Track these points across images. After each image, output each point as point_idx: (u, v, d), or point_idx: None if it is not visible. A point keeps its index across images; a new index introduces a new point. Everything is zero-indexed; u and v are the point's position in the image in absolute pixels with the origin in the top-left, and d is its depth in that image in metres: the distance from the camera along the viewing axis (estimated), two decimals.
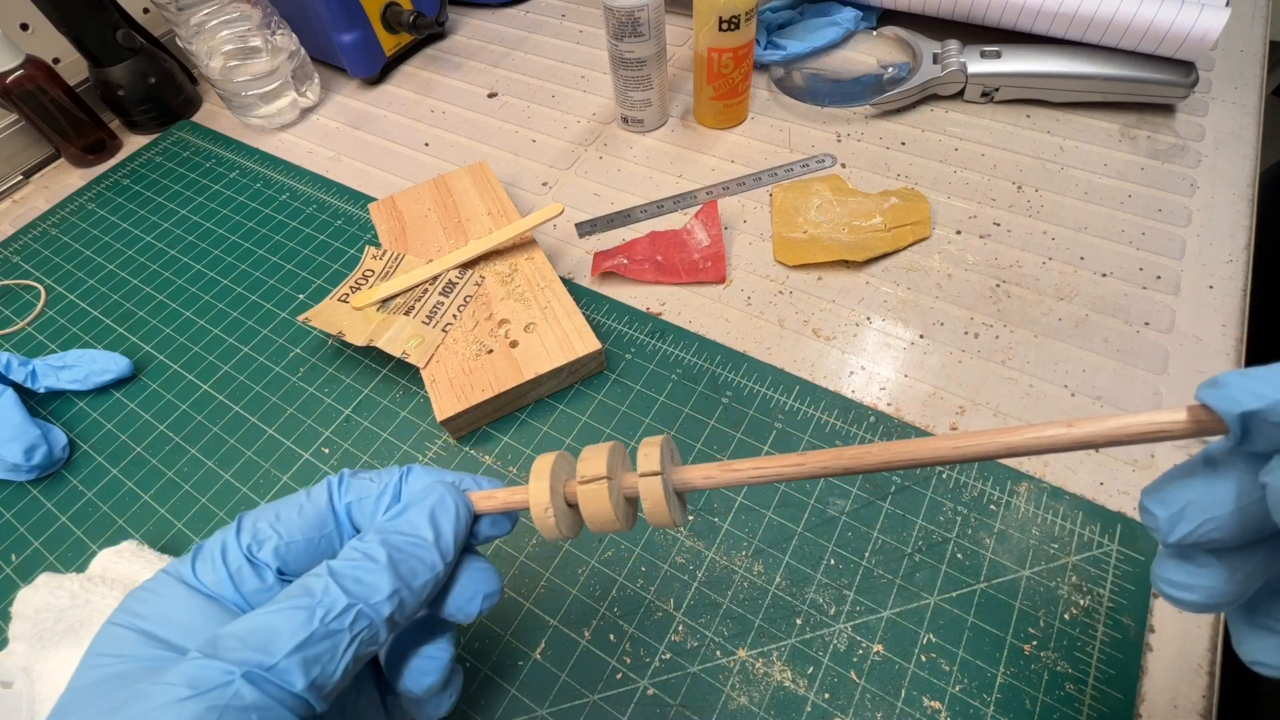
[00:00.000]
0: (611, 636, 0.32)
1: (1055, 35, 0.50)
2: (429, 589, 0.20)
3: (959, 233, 0.45)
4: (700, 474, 0.21)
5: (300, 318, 0.41)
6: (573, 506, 0.22)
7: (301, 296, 0.47)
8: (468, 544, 0.22)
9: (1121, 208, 0.45)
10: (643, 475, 0.20)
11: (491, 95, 0.60)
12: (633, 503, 0.22)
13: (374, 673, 0.24)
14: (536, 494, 0.21)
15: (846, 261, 0.44)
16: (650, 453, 0.21)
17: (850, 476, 0.35)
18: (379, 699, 0.24)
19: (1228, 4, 0.45)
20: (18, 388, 0.42)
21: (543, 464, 0.22)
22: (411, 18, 0.60)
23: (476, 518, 0.22)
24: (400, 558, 0.19)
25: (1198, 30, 0.44)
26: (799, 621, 0.31)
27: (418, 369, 0.39)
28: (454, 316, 0.40)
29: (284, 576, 0.21)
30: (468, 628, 0.32)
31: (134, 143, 0.61)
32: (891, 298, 0.42)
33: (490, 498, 0.22)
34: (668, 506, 0.20)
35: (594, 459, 0.21)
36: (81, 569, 0.35)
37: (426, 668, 0.22)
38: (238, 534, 0.21)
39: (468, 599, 0.21)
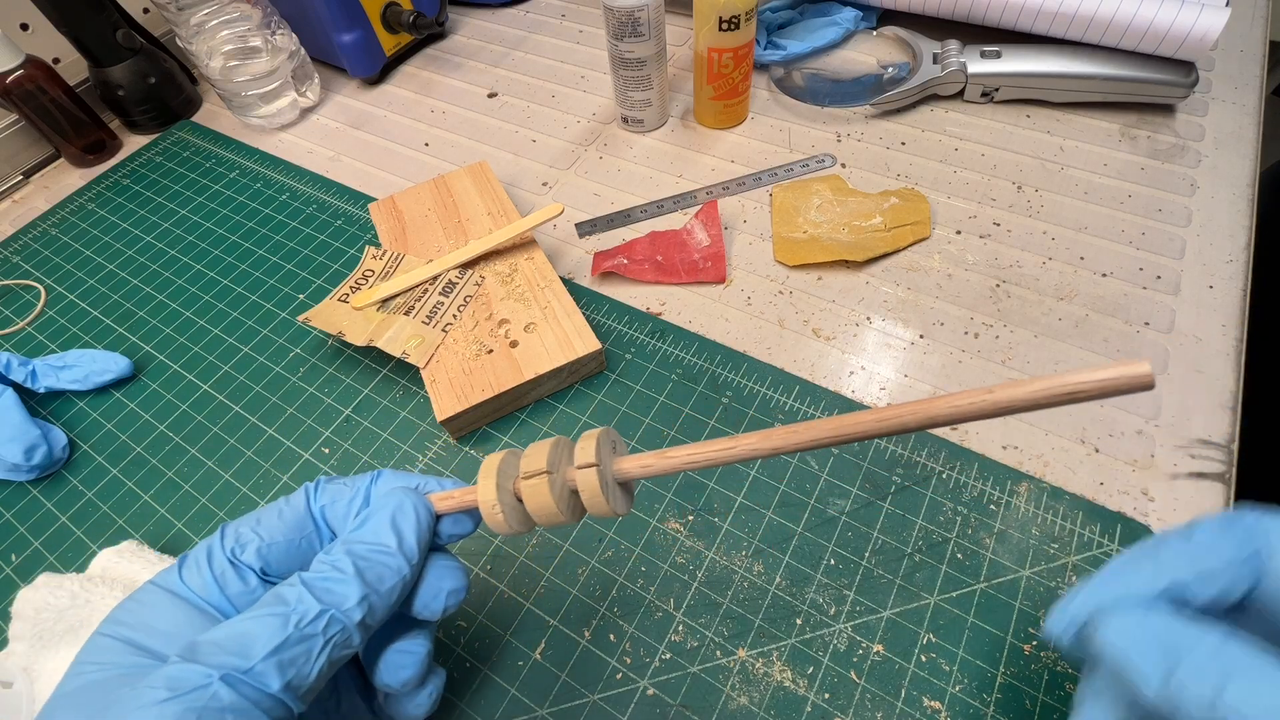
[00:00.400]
0: (611, 636, 0.32)
1: (1055, 35, 0.50)
2: (397, 592, 0.21)
3: (959, 233, 0.45)
4: (637, 463, 0.21)
5: (300, 318, 0.41)
6: (521, 501, 0.22)
7: (301, 296, 0.47)
8: (434, 543, 0.23)
9: (1121, 208, 0.45)
10: (579, 467, 0.21)
11: (491, 95, 0.60)
12: (577, 494, 0.22)
13: (359, 678, 0.25)
14: (484, 492, 0.22)
15: (846, 261, 0.44)
16: (586, 446, 0.21)
17: (850, 477, 0.35)
18: (364, 705, 0.24)
19: (1228, 4, 0.45)
20: (18, 388, 0.42)
21: (490, 463, 0.22)
22: (411, 18, 0.60)
23: (439, 518, 0.23)
24: (365, 565, 0.20)
25: (1198, 30, 0.44)
26: (799, 621, 0.31)
27: (418, 369, 0.39)
28: (454, 316, 0.40)
29: (267, 578, 0.22)
30: (468, 627, 0.32)
31: (134, 143, 0.61)
32: (891, 298, 0.42)
33: (448, 498, 0.23)
34: (604, 497, 0.21)
35: (536, 454, 0.22)
36: (81, 569, 0.35)
37: (402, 662, 0.23)
38: (221, 540, 0.22)
39: (432, 596, 0.22)
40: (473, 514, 0.24)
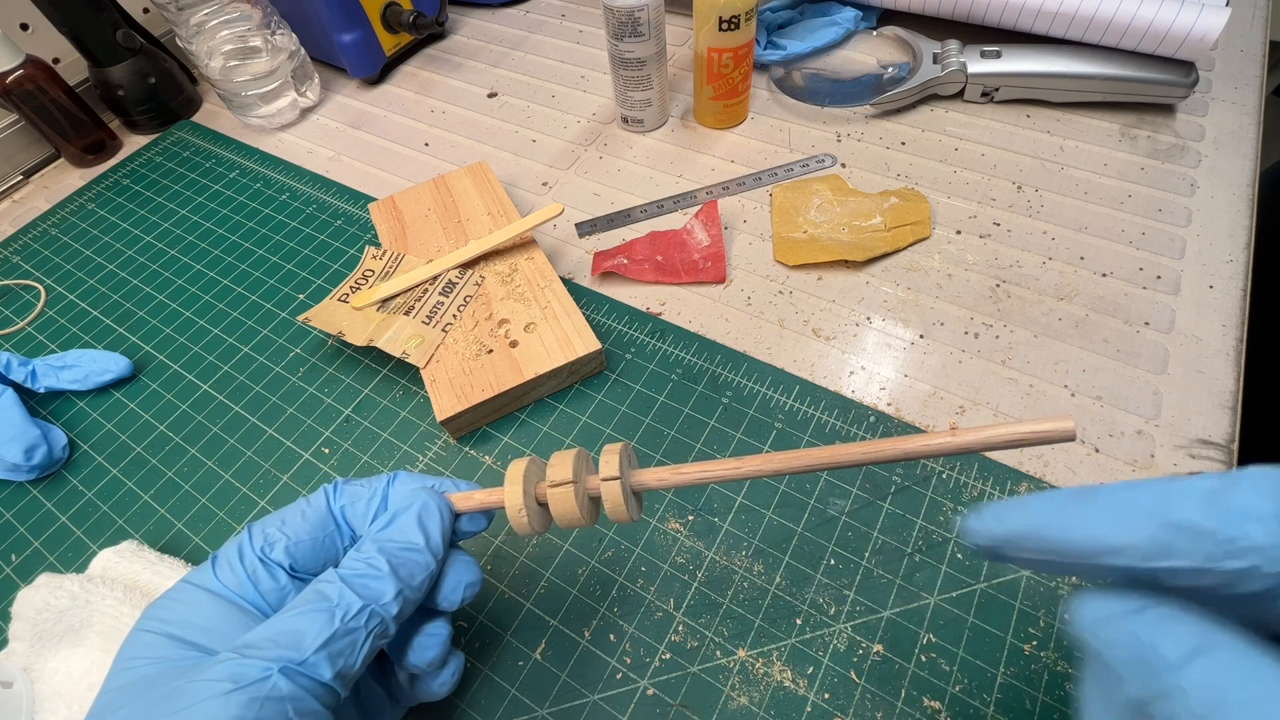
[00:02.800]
0: (611, 636, 0.32)
1: (1055, 35, 0.50)
2: (427, 585, 0.23)
3: (959, 233, 0.45)
4: (654, 476, 0.24)
5: (300, 318, 0.41)
6: (543, 505, 0.25)
7: (301, 296, 0.47)
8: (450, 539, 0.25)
9: (1121, 208, 0.45)
10: (604, 479, 0.24)
11: (491, 95, 0.60)
12: (596, 501, 0.25)
13: (375, 661, 0.26)
14: (511, 497, 0.24)
15: (846, 261, 0.44)
16: (610, 460, 0.24)
17: (850, 476, 0.35)
18: (381, 688, 0.26)
19: (1228, 4, 0.45)
20: (18, 388, 0.42)
21: (515, 469, 0.25)
22: (411, 18, 0.60)
23: (456, 516, 0.25)
24: (398, 563, 0.22)
25: (1198, 30, 0.44)
26: (799, 621, 0.31)
27: (418, 369, 0.39)
28: (454, 316, 0.40)
29: (295, 575, 0.23)
30: (468, 627, 0.32)
31: (134, 143, 0.61)
32: (891, 298, 0.42)
33: (468, 499, 0.25)
34: (626, 507, 0.24)
35: (561, 465, 0.24)
36: (81, 569, 0.35)
37: (428, 644, 0.24)
38: (250, 539, 0.23)
39: (452, 589, 0.24)
40: (486, 513, 0.25)
